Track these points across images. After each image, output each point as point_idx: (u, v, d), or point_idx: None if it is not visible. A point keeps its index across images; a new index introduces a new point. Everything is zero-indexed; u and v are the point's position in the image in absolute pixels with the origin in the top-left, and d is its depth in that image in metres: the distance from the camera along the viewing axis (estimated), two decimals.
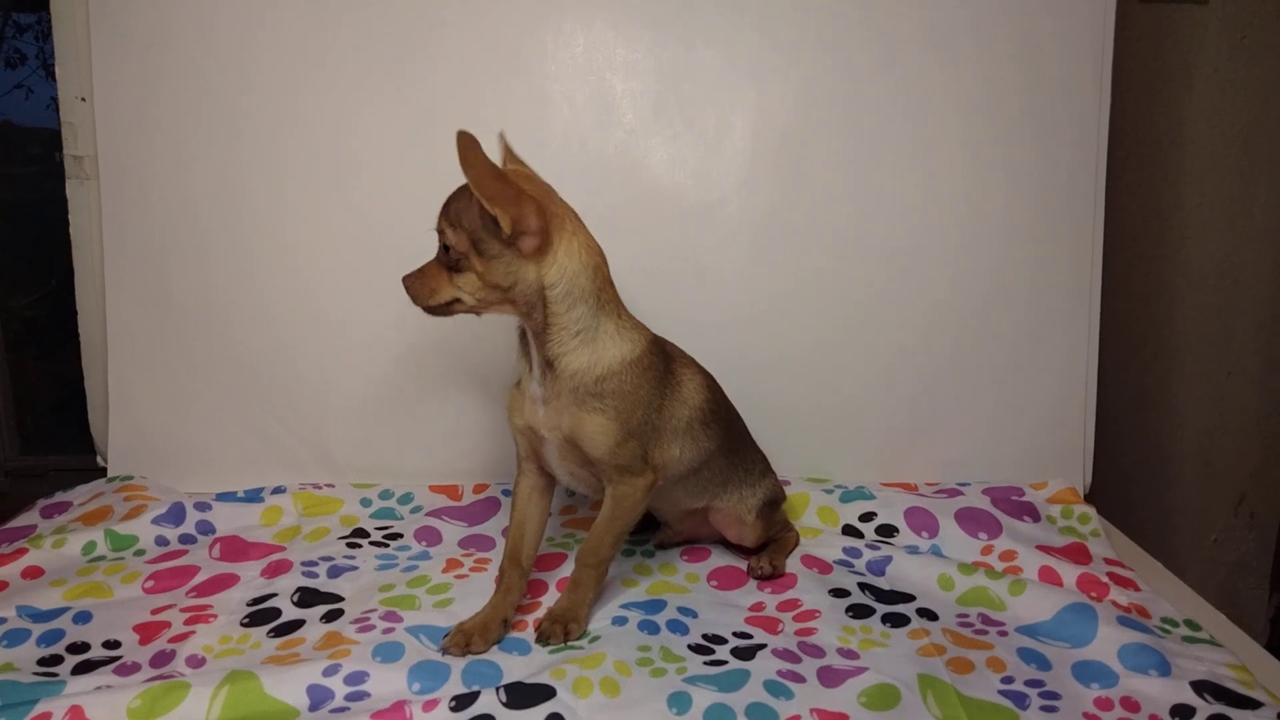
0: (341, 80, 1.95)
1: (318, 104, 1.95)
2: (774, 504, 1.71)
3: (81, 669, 1.33)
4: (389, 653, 1.35)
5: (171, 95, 1.95)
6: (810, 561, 1.70)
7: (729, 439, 1.64)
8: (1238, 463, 2.44)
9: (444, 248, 1.41)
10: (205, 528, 1.80)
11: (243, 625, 1.46)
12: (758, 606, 1.55)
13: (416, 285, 1.44)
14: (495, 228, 1.34)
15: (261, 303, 1.99)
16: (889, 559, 1.68)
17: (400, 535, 1.81)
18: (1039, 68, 1.98)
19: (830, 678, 1.31)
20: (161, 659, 1.36)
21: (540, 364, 1.44)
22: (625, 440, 1.44)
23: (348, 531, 1.82)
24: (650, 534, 1.80)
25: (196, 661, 1.36)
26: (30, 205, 2.95)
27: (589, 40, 1.96)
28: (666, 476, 1.54)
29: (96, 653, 1.38)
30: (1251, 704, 1.24)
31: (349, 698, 1.26)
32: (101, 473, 2.05)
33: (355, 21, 1.94)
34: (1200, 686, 1.27)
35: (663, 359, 1.51)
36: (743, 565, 1.69)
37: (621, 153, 1.99)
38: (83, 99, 1.98)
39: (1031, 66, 1.98)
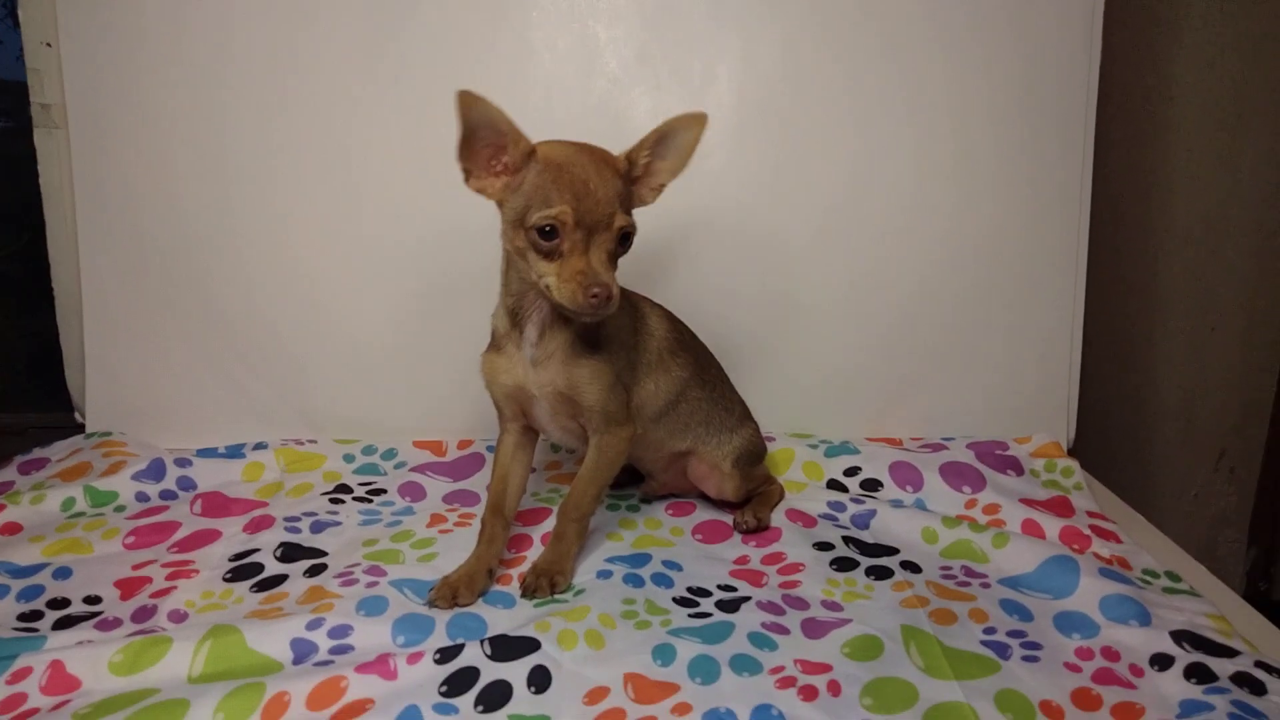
0: (320, 26, 1.90)
1: (295, 49, 1.90)
2: (753, 457, 1.71)
3: (62, 624, 1.32)
4: (373, 606, 1.35)
5: (142, 38, 1.89)
6: (795, 515, 1.70)
7: (700, 369, 1.66)
8: (1219, 418, 2.45)
9: (624, 239, 1.35)
10: (186, 484, 1.79)
11: (225, 580, 1.45)
12: (742, 560, 1.56)
13: (614, 286, 1.29)
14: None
15: (240, 255, 1.96)
16: (873, 513, 1.69)
17: (384, 491, 1.81)
18: (1029, 23, 1.96)
19: (814, 629, 1.32)
20: (143, 614, 1.35)
21: (540, 326, 1.42)
22: (615, 383, 1.46)
23: (331, 487, 1.81)
24: (634, 488, 1.80)
25: (179, 616, 1.35)
26: (3, 158, 2.88)
27: None
28: (646, 415, 1.55)
29: (77, 608, 1.37)
30: (1229, 653, 1.25)
31: (333, 651, 1.25)
32: (80, 430, 2.02)
33: None
34: (1179, 636, 1.29)
35: (624, 296, 1.52)
36: (727, 519, 1.69)
37: (605, 103, 1.95)
38: (48, 44, 1.92)
39: (1021, 22, 1.96)
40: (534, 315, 1.43)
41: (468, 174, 1.37)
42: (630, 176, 1.39)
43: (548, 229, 1.29)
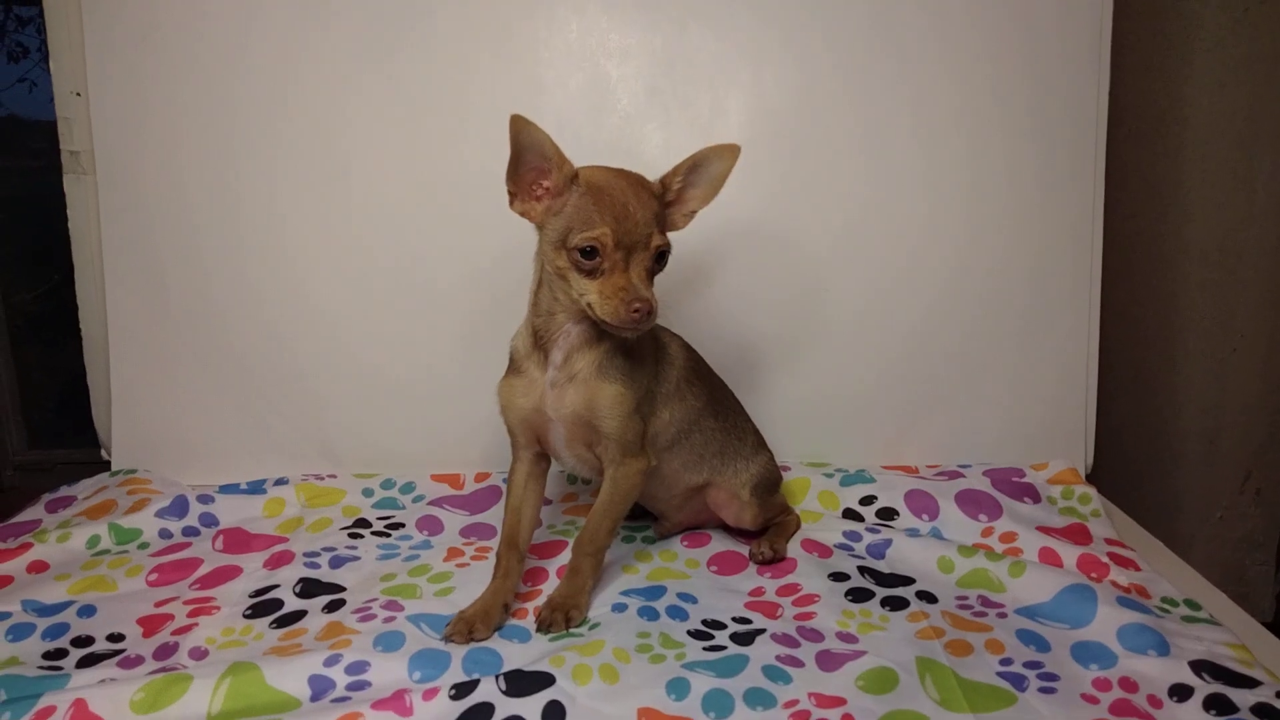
0: (334, 70, 1.94)
1: (311, 94, 1.95)
2: (770, 485, 1.71)
3: (85, 662, 1.34)
4: (390, 642, 1.36)
5: (166, 88, 1.95)
6: (810, 545, 1.70)
7: (714, 400, 1.67)
8: (1243, 440, 2.42)
9: (660, 257, 1.39)
10: (208, 520, 1.81)
11: (245, 617, 1.47)
12: (757, 591, 1.56)
13: (654, 301, 1.34)
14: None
15: (260, 295, 2.00)
16: (889, 542, 1.69)
17: (402, 525, 1.82)
18: (1038, 46, 1.97)
19: (829, 662, 1.32)
20: (165, 651, 1.37)
21: (566, 349, 1.45)
22: (634, 411, 1.47)
23: (350, 522, 1.83)
24: (648, 520, 1.80)
25: (199, 653, 1.37)
26: (35, 199, 2.95)
27: (582, 25, 1.95)
28: (660, 445, 1.56)
29: (100, 646, 1.39)
30: (1250, 683, 1.24)
31: (350, 687, 1.27)
32: (106, 466, 2.06)
33: (348, 10, 1.93)
34: (1199, 666, 1.27)
35: None
36: (743, 550, 1.69)
37: (617, 138, 1.98)
38: (78, 93, 1.98)
39: (1031, 45, 1.97)
40: (560, 338, 1.45)
41: (513, 197, 1.41)
42: (664, 200, 1.44)
43: (589, 249, 1.33)
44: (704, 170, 1.45)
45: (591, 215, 1.34)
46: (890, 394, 2.06)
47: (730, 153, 1.44)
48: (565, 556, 1.62)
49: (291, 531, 1.79)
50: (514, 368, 1.52)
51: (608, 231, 1.33)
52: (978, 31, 1.97)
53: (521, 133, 1.34)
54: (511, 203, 1.42)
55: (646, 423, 1.52)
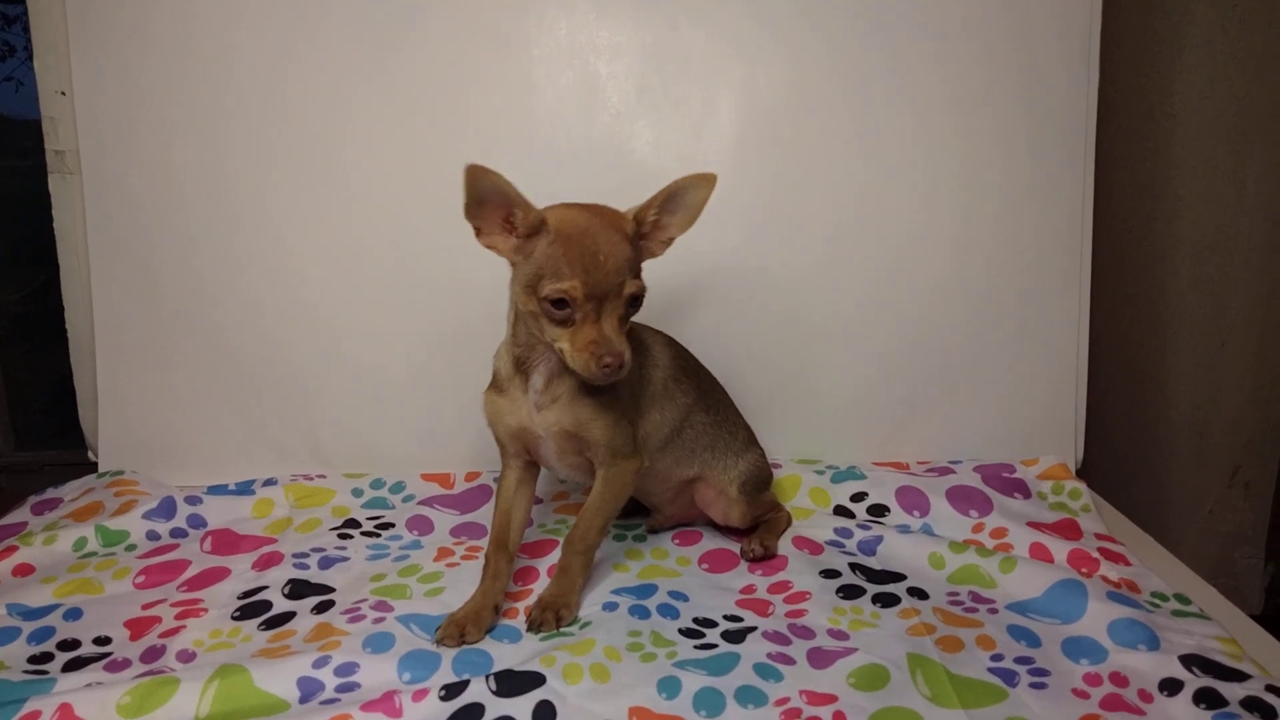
0: (324, 68, 1.93)
1: (301, 93, 1.93)
2: (760, 482, 1.71)
3: (72, 666, 1.33)
4: (379, 643, 1.36)
5: (153, 87, 1.93)
6: (801, 543, 1.70)
7: (703, 394, 1.66)
8: (1232, 434, 2.43)
9: (633, 301, 1.36)
10: (196, 521, 1.80)
11: (233, 619, 1.46)
12: (749, 589, 1.55)
13: (626, 352, 1.32)
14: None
15: (249, 294, 1.99)
16: (880, 539, 1.69)
17: (392, 525, 1.82)
18: (1029, 43, 1.97)
19: (820, 659, 1.32)
20: (152, 654, 1.36)
21: (547, 375, 1.44)
22: (621, 417, 1.47)
23: (339, 522, 1.82)
24: (640, 518, 1.80)
25: (187, 656, 1.36)
26: (20, 198, 2.93)
27: (571, 23, 1.94)
28: (651, 446, 1.56)
29: (87, 649, 1.38)
30: (1239, 676, 1.24)
31: (339, 689, 1.26)
32: (93, 468, 2.05)
33: (337, 9, 1.92)
34: (1189, 660, 1.28)
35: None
36: (734, 548, 1.69)
37: (607, 136, 1.97)
38: (63, 92, 1.96)
39: (1021, 42, 1.97)
40: (541, 365, 1.44)
41: (478, 231, 1.37)
42: (639, 234, 1.40)
43: (559, 301, 1.30)
44: (680, 199, 1.41)
45: (560, 267, 1.30)
46: (882, 391, 2.05)
47: (706, 182, 1.41)
48: (556, 555, 1.61)
49: (280, 532, 1.78)
50: (497, 385, 1.52)
51: (577, 285, 1.29)
52: (969, 29, 1.96)
53: (479, 183, 1.29)
54: (478, 236, 1.37)
55: (635, 425, 1.52)
